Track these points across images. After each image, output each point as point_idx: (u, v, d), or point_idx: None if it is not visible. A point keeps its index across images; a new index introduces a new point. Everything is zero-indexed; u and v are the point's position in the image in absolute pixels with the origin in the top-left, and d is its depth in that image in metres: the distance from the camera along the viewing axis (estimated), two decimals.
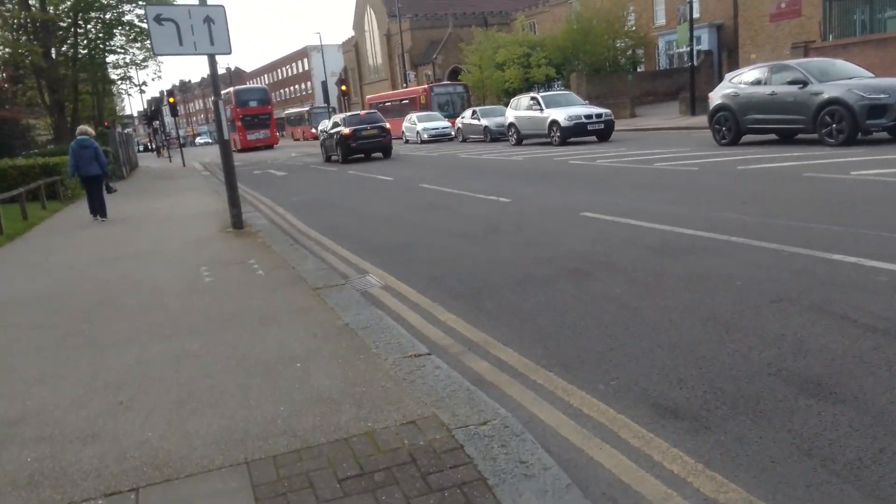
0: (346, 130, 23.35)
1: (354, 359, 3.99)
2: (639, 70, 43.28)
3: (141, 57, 33.03)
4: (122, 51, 30.81)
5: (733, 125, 14.60)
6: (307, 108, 42.17)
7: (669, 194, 9.35)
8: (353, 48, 72.36)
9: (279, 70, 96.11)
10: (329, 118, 31.27)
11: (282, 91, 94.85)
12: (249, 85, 46.43)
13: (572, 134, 20.51)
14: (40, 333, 5.09)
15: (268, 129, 41.62)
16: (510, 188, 11.79)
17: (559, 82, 40.85)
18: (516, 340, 4.38)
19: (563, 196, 10.29)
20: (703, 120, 24.74)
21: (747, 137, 14.88)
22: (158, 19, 8.87)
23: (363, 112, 26.43)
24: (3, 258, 9.35)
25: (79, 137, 12.27)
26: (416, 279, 6.32)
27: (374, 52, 68.53)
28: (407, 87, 51.28)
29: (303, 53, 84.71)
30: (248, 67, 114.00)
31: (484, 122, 27.83)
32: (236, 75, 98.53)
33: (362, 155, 24.05)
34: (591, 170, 13.47)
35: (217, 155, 43.94)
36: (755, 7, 38.08)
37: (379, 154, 24.14)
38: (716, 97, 15.20)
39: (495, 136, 27.17)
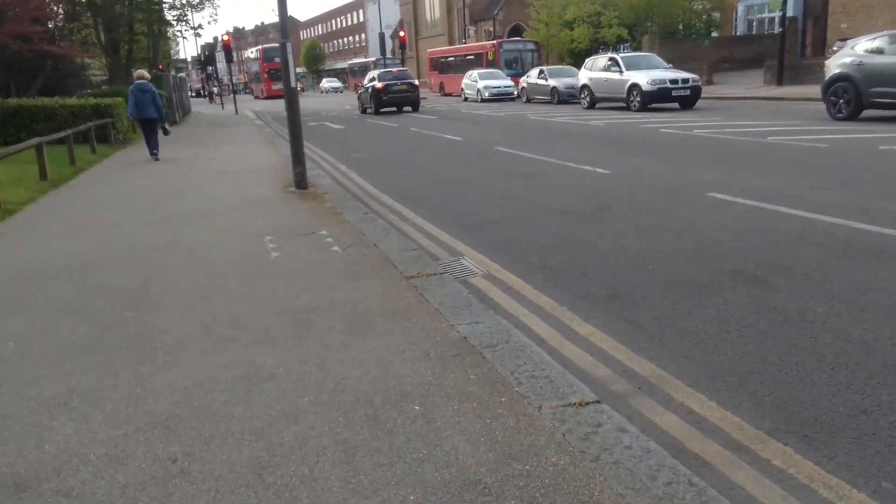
0: (379, 85, 26.10)
1: (493, 402, 2.83)
2: (713, 35, 40.48)
3: None
4: None
5: (853, 98, 12.83)
6: (373, 60, 40.65)
7: (813, 177, 7.88)
8: (411, 1, 70.07)
9: (333, 20, 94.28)
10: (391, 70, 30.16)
11: (335, 42, 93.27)
12: (274, 44, 48.88)
13: (655, 99, 18.81)
14: (74, 323, 4.06)
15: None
16: (603, 157, 10.40)
17: (626, 45, 38.48)
18: (702, 379, 3.17)
19: (675, 171, 8.89)
20: (792, 91, 22.77)
21: (867, 112, 13.10)
22: None
23: (395, 70, 28.80)
24: (43, 210, 8.45)
25: (137, 81, 12.81)
26: (525, 269, 5.12)
27: (433, 5, 66.16)
28: (466, 42, 49.34)
29: (359, 4, 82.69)
30: (301, 17, 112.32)
31: (552, 82, 26.12)
32: (291, 23, 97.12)
33: (394, 108, 26.57)
34: (692, 140, 11.95)
35: (269, 104, 43.31)
36: None
37: (408, 108, 26.83)
38: (833, 66, 13.38)
39: (563, 97, 25.48)
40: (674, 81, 18.73)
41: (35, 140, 9.81)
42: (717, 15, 40.69)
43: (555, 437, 2.52)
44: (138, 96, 12.57)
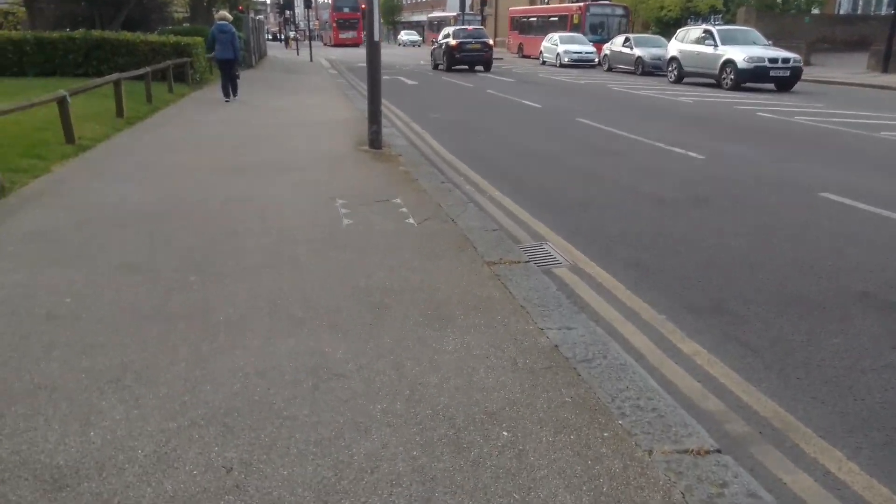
0: (453, 42, 25.86)
1: (594, 437, 2.43)
2: (815, 12, 37.79)
3: None
4: None
5: None
6: (453, 15, 39.80)
7: None
8: None
9: None
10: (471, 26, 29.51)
11: None
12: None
13: (750, 78, 17.59)
14: (135, 282, 3.82)
15: (356, 31, 49.83)
16: (694, 140, 9.67)
17: (718, 17, 36.32)
18: (838, 431, 2.70)
19: (777, 163, 8.13)
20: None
21: None
22: None
23: (470, 27, 28.65)
24: (117, 149, 8.36)
25: (219, 23, 13.07)
26: (616, 263, 4.66)
27: None
28: (549, 3, 47.62)
29: None
30: None
31: (637, 51, 24.88)
32: None
33: (465, 66, 26.41)
34: (794, 128, 11.02)
35: (344, 53, 42.97)
36: None
37: (480, 67, 26.55)
38: None
39: (648, 69, 24.29)
40: (773, 60, 17.44)
41: (114, 76, 9.72)
42: None
43: (672, 497, 2.11)
44: (218, 37, 12.82)
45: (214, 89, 16.15)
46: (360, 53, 46.27)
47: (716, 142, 9.57)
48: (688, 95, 16.50)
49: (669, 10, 33.68)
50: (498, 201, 6.42)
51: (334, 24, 51.87)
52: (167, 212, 5.31)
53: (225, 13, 13.98)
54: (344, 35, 51.82)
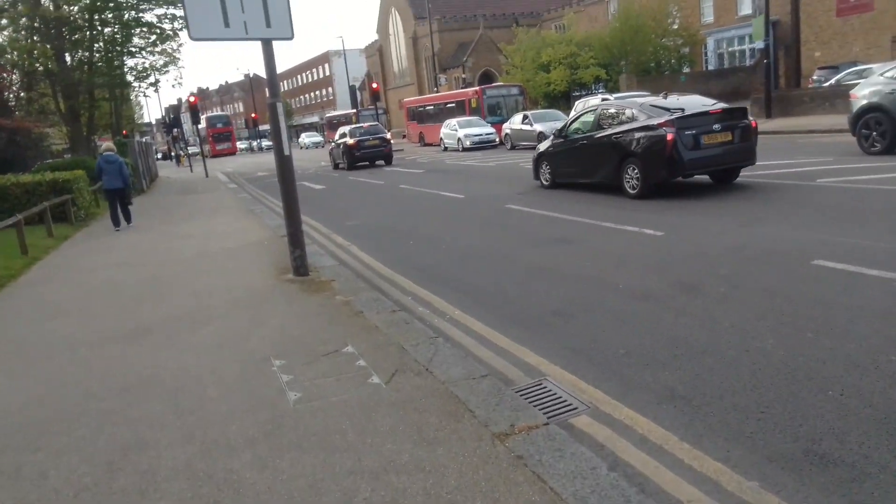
0: (351, 141, 25.76)
1: None
2: (686, 71, 40.34)
3: (161, 62, 30.84)
4: (142, 54, 28.54)
5: (889, 129, 11.82)
6: (353, 111, 39.77)
7: None
8: (377, 52, 69.97)
9: (299, 76, 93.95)
10: (367, 122, 29.39)
11: (302, 97, 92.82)
12: (217, 113, 64.66)
13: None
14: None
15: (230, 142, 59.85)
16: (640, 214, 9.11)
17: (601, 85, 38.09)
18: None
19: (741, 230, 7.59)
20: (787, 123, 22.06)
21: None
22: None
23: (366, 125, 28.44)
24: None
25: (104, 154, 13.03)
26: (644, 398, 3.74)
27: (400, 55, 66.09)
28: (438, 90, 48.76)
29: (324, 59, 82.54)
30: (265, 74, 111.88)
31: (538, 127, 25.10)
32: (255, 81, 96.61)
33: (367, 163, 26.31)
34: (731, 187, 10.73)
35: (241, 164, 41.81)
36: (819, 1, 35.22)
37: (381, 162, 26.40)
38: (861, 96, 12.43)
39: None
40: None
41: None
42: (686, 50, 40.63)
43: None
44: (105, 168, 12.79)
45: (103, 225, 14.60)
46: (255, 161, 45.88)
47: (661, 215, 9.03)
48: None
49: (557, 85, 34.92)
50: (463, 324, 5.40)
51: (210, 139, 56.15)
52: (43, 422, 3.92)
53: (109, 144, 13.97)
54: (220, 147, 59.96)
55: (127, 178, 13.10)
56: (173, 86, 79.60)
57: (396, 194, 15.78)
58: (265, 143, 77.69)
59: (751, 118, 10.76)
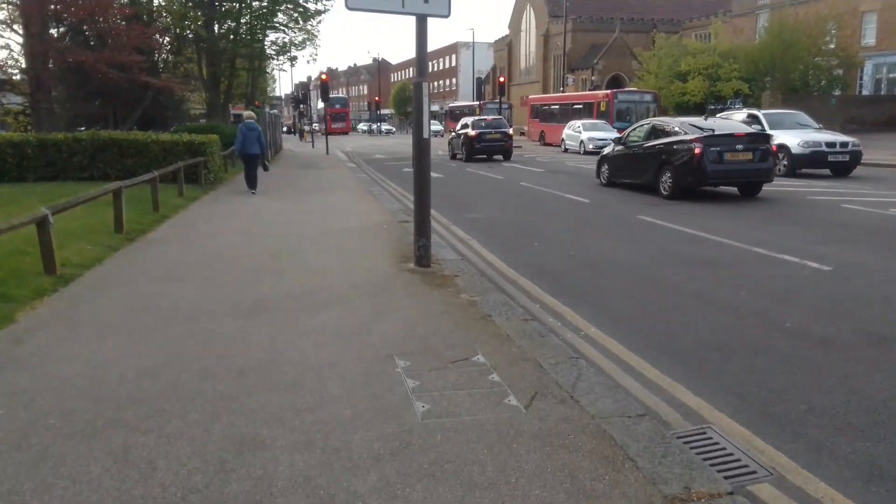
0: (472, 132, 25.26)
1: None
2: (837, 94, 37.13)
3: (300, 38, 31.70)
4: (283, 29, 29.44)
5: None
6: (478, 103, 39.54)
7: None
8: (506, 47, 69.46)
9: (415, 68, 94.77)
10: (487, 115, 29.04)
11: None
12: (336, 95, 66.92)
13: (807, 164, 16.25)
14: None
15: (344, 122, 64.53)
16: (800, 244, 8.10)
17: (737, 101, 35.70)
18: None
19: None
20: None
21: None
22: None
23: (489, 118, 27.89)
24: (104, 281, 6.83)
25: (246, 121, 14.14)
26: (843, 471, 3.11)
27: (528, 52, 65.27)
28: (564, 90, 47.64)
29: (452, 49, 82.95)
30: (393, 60, 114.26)
31: None
32: (383, 66, 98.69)
33: (485, 156, 25.72)
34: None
35: (360, 145, 42.65)
36: None
37: (499, 156, 25.83)
38: None
39: None
40: (830, 144, 16.15)
41: (112, 185, 8.37)
42: (839, 72, 37.41)
43: None
44: (246, 133, 13.80)
45: (230, 190, 14.97)
46: (374, 143, 46.66)
47: (826, 246, 7.98)
48: None
49: (693, 96, 33.06)
50: (602, 345, 4.80)
51: (328, 117, 59.10)
52: (153, 398, 3.66)
53: (251, 113, 15.13)
54: (335, 125, 64.00)
55: (264, 146, 14.38)
56: (308, 62, 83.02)
57: (517, 191, 15.23)
58: (384, 126, 79.30)
59: (772, 143, 13.17)
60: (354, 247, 8.15)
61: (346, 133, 69.97)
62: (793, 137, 16.49)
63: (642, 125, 14.80)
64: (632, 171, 14.41)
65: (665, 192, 12.87)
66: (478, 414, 3.41)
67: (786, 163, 16.47)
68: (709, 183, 12.78)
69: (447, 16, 6.57)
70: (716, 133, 12.49)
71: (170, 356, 4.29)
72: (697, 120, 13.70)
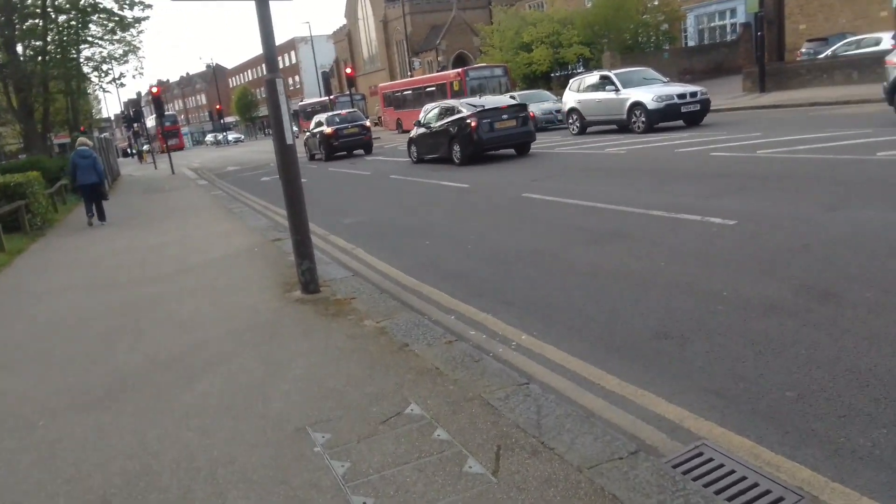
0: (328, 129, 24.04)
1: None
2: (667, 48, 39.27)
3: (120, 51, 28.83)
4: (99, 43, 26.54)
5: None
6: (329, 98, 37.45)
7: None
8: (346, 37, 67.94)
9: (263, 66, 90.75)
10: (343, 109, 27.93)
11: None
12: (166, 113, 58.87)
13: (662, 118, 16.65)
14: None
15: (177, 138, 62.74)
16: (693, 201, 7.93)
17: (579, 64, 36.83)
18: None
19: (826, 215, 6.42)
20: (788, 96, 21.07)
21: None
22: None
23: (344, 112, 26.76)
24: None
25: (79, 149, 12.94)
26: (883, 477, 2.50)
27: (370, 40, 64.17)
28: (412, 75, 47.13)
29: (290, 46, 79.89)
30: (229, 64, 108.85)
31: None
32: (219, 71, 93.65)
33: (345, 152, 24.67)
34: (775, 166, 9.60)
35: (209, 159, 39.91)
36: None
37: (360, 151, 25.00)
38: None
39: (541, 124, 23.24)
40: (681, 96, 16.62)
41: None
42: (666, 27, 39.57)
43: None
44: (79, 162, 12.70)
45: (63, 233, 13.01)
46: (222, 155, 43.92)
47: (718, 199, 7.85)
48: (608, 145, 15.17)
49: (539, 65, 33.58)
50: (541, 355, 4.17)
51: (160, 135, 56.69)
52: None
53: (84, 139, 13.83)
54: (170, 142, 61.76)
55: (102, 173, 13.17)
56: (133, 76, 77.50)
57: (387, 185, 14.44)
58: (231, 135, 75.36)
59: (531, 111, 16.60)
60: (225, 282, 7.01)
61: (181, 149, 68.75)
62: (646, 93, 16.84)
63: (434, 108, 17.74)
64: (432, 147, 17.07)
65: (457, 161, 15.74)
66: (439, 499, 2.61)
67: (644, 119, 16.80)
68: (486, 148, 15.55)
69: None
70: (486, 108, 15.44)
71: None
72: (473, 99, 17.15)
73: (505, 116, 15.40)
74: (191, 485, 2.97)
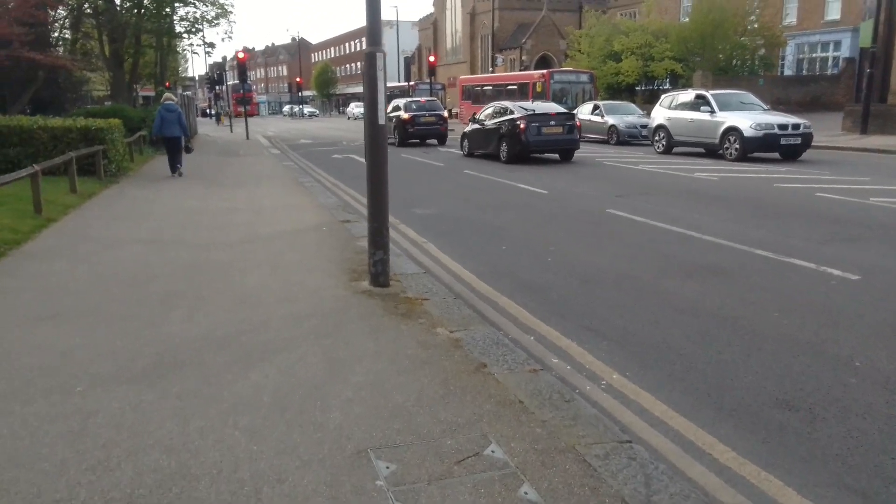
0: (405, 115, 23.76)
1: None
2: (762, 74, 37.50)
3: (212, 13, 29.24)
4: (194, 2, 26.93)
5: None
6: (410, 84, 37.29)
7: None
8: (431, 25, 67.72)
9: (347, 44, 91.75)
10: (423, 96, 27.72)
11: (347, 66, 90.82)
12: (251, 76, 62.69)
13: (758, 148, 15.65)
14: None
15: (248, 105, 65.22)
16: (805, 245, 7.17)
17: (665, 81, 35.51)
18: None
19: None
20: (890, 141, 19.61)
21: None
22: None
23: (423, 99, 26.54)
24: None
25: (165, 103, 13.86)
26: None
27: (455, 31, 63.79)
28: (493, 70, 46.55)
29: None
30: (313, 39, 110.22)
31: (610, 120, 23.08)
32: (303, 46, 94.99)
33: (418, 140, 24.33)
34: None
35: (283, 129, 40.43)
36: None
37: (434, 140, 24.58)
38: None
39: (623, 138, 22.47)
40: (782, 127, 15.56)
41: None
42: (763, 51, 37.77)
43: None
44: (165, 116, 13.43)
45: (137, 182, 13.03)
46: (297, 127, 44.35)
47: (832, 246, 7.07)
48: (697, 169, 14.29)
49: (627, 76, 32.52)
50: (640, 406, 3.61)
51: (234, 101, 58.72)
52: None
53: (170, 94, 14.91)
54: (240, 108, 62.41)
55: (185, 127, 13.97)
56: (223, 39, 78.88)
57: (462, 180, 13.94)
58: (307, 109, 76.32)
59: (577, 119, 17.36)
60: (292, 259, 6.65)
61: (252, 115, 72.61)
62: (744, 119, 15.86)
63: (489, 107, 18.73)
64: (483, 143, 17.92)
65: (503, 159, 16.66)
66: None
67: (738, 146, 15.82)
68: (532, 150, 16.40)
69: None
70: (536, 112, 16.44)
71: (12, 475, 2.76)
72: (526, 103, 18.36)
73: (553, 123, 16.36)
74: (232, 500, 2.54)
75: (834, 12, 38.26)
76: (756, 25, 35.84)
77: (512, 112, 16.73)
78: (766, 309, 5.11)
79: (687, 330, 4.72)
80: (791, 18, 39.74)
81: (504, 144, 16.65)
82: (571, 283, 5.99)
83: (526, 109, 16.68)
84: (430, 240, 7.91)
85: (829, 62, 38.42)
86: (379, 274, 5.53)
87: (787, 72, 40.17)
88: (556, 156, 17.10)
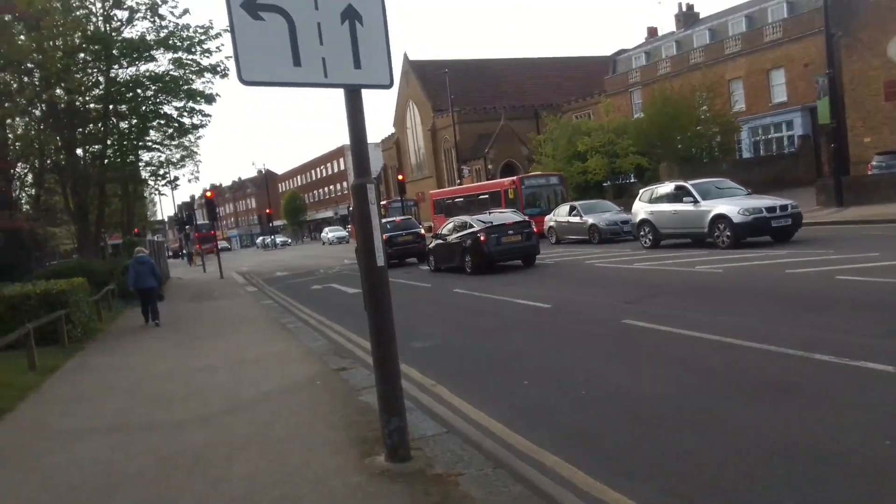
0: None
1: None
2: (726, 158, 38.31)
3: (178, 156, 29.20)
4: (158, 148, 26.81)
5: None
6: (384, 202, 37.40)
7: None
8: (394, 145, 69.41)
9: (313, 171, 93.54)
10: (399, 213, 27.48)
11: (315, 192, 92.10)
12: (203, 222, 64.27)
13: (750, 233, 15.26)
14: None
15: (211, 242, 63.35)
16: (862, 339, 6.39)
17: (630, 175, 36.08)
18: None
19: None
20: (871, 211, 19.56)
21: None
22: (252, 7, 3.92)
23: (398, 218, 26.71)
24: None
25: (137, 256, 14.14)
26: None
27: (417, 148, 65.33)
28: (461, 182, 47.15)
29: (338, 153, 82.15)
30: (279, 169, 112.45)
31: (589, 219, 22.81)
32: (269, 177, 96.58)
33: (396, 260, 23.68)
34: None
35: (257, 263, 39.69)
36: (865, 85, 33.46)
37: (413, 259, 24.26)
38: None
39: (606, 236, 22.08)
40: (770, 210, 15.26)
41: None
42: (718, 138, 38.81)
43: None
44: (138, 269, 13.64)
45: (105, 345, 11.95)
46: (271, 259, 43.66)
47: (892, 341, 6.30)
48: (696, 262, 13.72)
49: (594, 174, 32.89)
50: None
51: (197, 241, 60.08)
52: None
53: (141, 248, 15.14)
54: (204, 246, 63.53)
55: (160, 277, 14.27)
56: (189, 180, 79.72)
57: (453, 301, 13.14)
58: (279, 238, 76.29)
59: (534, 226, 18.21)
60: (285, 431, 5.62)
61: (212, 252, 74.08)
62: (731, 206, 15.56)
63: (450, 222, 19.52)
64: (448, 257, 18.47)
65: (468, 270, 17.21)
66: None
67: (728, 234, 15.41)
68: (495, 260, 17.05)
69: (389, 85, 4.57)
70: (494, 224, 17.14)
71: None
72: (483, 215, 18.73)
73: (511, 231, 17.06)
74: None
75: (780, 95, 39.90)
76: (709, 115, 37.04)
77: (472, 226, 17.39)
78: (871, 436, 4.22)
79: (794, 482, 3.79)
80: (740, 105, 41.34)
81: (468, 257, 17.21)
82: (622, 424, 5.07)
83: (484, 222, 17.33)
84: (438, 381, 6.95)
85: (785, 141, 39.61)
86: (397, 446, 4.53)
87: (746, 154, 41.28)
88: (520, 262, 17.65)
